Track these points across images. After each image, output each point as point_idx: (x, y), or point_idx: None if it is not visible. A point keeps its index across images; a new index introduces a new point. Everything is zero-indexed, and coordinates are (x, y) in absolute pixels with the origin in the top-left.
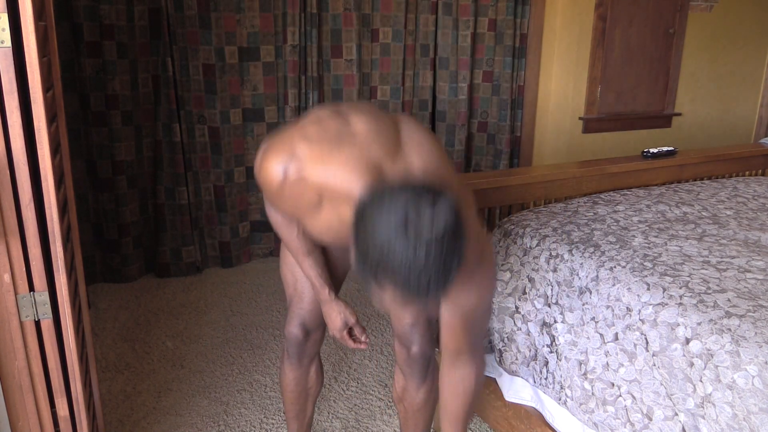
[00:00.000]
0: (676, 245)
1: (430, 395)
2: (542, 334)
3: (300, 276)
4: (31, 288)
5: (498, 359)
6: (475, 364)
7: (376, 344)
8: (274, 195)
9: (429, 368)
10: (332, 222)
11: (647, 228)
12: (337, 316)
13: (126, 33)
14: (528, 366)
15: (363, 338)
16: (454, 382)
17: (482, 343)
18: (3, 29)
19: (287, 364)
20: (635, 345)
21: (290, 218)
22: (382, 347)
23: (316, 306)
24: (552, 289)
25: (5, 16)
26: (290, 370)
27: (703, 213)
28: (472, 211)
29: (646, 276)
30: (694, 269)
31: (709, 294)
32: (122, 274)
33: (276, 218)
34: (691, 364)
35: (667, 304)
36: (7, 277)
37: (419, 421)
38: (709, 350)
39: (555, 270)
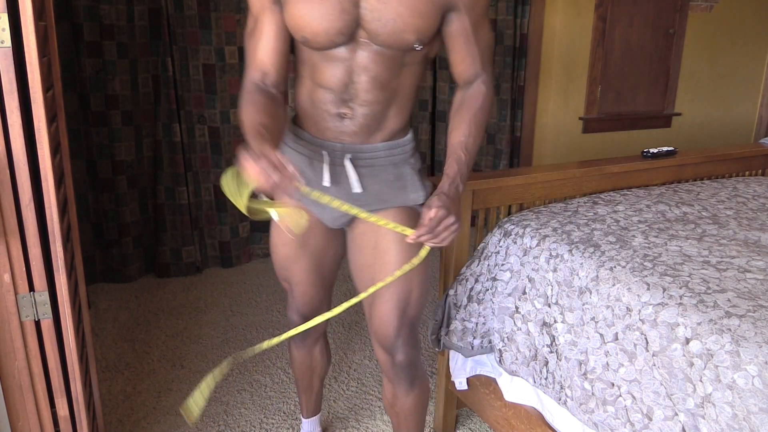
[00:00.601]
0: (676, 245)
1: (421, 398)
2: (542, 334)
3: (290, 271)
4: (31, 288)
5: (498, 359)
6: (488, 85)
7: None
8: None
9: (417, 373)
10: None
11: (647, 228)
12: (254, 165)
13: (126, 33)
14: (528, 366)
15: (289, 168)
16: (465, 93)
17: (492, 66)
18: (3, 29)
19: (292, 344)
20: (635, 345)
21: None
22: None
23: (308, 297)
24: (552, 289)
25: (5, 16)
26: (295, 349)
27: (703, 213)
28: None
29: (646, 276)
30: (694, 269)
31: (709, 294)
32: (122, 274)
33: (251, 44)
34: (691, 364)
35: (667, 304)
36: (7, 277)
37: (411, 425)
38: (709, 350)
39: (555, 270)
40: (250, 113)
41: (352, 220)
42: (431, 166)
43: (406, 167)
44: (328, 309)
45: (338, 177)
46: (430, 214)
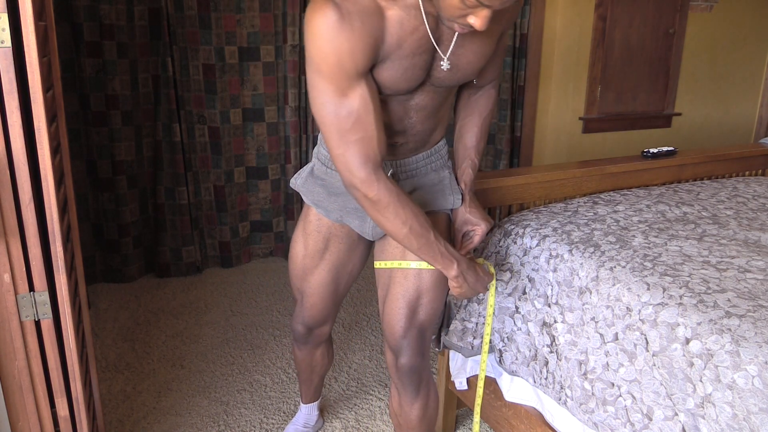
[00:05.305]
0: (676, 245)
1: (425, 412)
2: (542, 334)
3: (306, 281)
4: (31, 288)
5: (498, 359)
6: (496, 88)
7: (376, 344)
8: (336, 44)
9: (422, 383)
10: (400, 32)
11: (647, 228)
12: (468, 288)
13: (126, 33)
14: (528, 366)
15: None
16: (475, 95)
17: (498, 83)
18: (3, 29)
19: (294, 345)
20: (635, 345)
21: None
22: (383, 347)
23: (314, 310)
24: (552, 289)
25: (5, 16)
26: (297, 349)
27: (703, 213)
28: None
29: (646, 276)
30: (694, 269)
31: (709, 294)
32: (122, 274)
33: (387, 197)
34: (691, 364)
35: (667, 304)
36: (7, 277)
37: None
38: (709, 350)
39: (555, 270)
40: (415, 223)
41: None
42: None
43: (445, 171)
44: (332, 323)
45: None
46: (484, 229)
